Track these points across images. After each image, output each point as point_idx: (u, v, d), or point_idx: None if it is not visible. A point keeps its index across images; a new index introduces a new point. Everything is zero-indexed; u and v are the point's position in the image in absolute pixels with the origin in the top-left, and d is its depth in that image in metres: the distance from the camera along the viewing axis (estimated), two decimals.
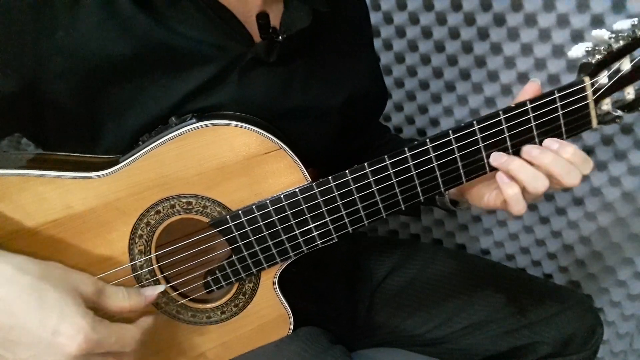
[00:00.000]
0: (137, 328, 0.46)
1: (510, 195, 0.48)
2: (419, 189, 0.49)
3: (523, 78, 0.82)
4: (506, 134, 0.47)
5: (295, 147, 0.49)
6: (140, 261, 0.50)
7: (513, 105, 0.47)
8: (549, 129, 0.48)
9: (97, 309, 0.44)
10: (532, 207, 0.91)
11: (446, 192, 0.58)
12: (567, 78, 0.77)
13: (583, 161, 0.47)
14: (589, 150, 0.81)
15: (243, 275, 0.52)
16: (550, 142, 0.48)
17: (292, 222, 0.49)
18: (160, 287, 0.50)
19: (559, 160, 0.47)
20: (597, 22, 0.71)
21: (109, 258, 0.49)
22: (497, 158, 0.48)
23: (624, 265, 0.86)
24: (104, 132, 0.48)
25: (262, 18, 0.49)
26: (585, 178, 0.48)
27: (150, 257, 0.50)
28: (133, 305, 0.46)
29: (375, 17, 0.94)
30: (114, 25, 0.44)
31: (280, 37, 0.49)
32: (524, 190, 0.48)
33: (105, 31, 0.44)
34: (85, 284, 0.43)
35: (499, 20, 0.80)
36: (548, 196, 0.88)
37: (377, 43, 0.97)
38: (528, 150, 0.48)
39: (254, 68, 0.49)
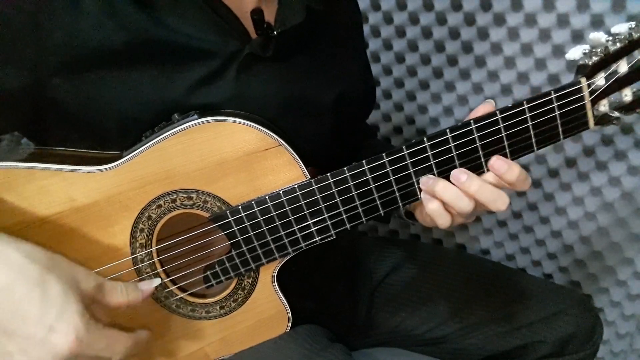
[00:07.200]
0: (130, 339, 0.45)
1: (431, 209, 0.48)
2: (416, 187, 0.49)
3: (523, 78, 0.82)
4: (503, 134, 0.48)
5: (294, 145, 0.49)
6: (141, 254, 0.50)
7: (510, 105, 0.47)
8: (546, 129, 0.48)
9: (96, 304, 0.44)
10: (532, 207, 0.91)
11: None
12: (567, 78, 0.77)
13: (523, 180, 0.47)
14: (589, 151, 0.81)
15: (242, 270, 0.52)
16: (460, 173, 0.47)
17: (291, 218, 0.49)
18: (157, 281, 0.50)
19: (485, 187, 0.46)
20: (597, 22, 0.71)
21: (111, 251, 0.49)
22: (424, 182, 0.48)
23: (624, 265, 0.85)
24: (107, 134, 0.49)
25: (256, 13, 0.49)
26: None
27: (151, 251, 0.51)
28: (131, 300, 0.47)
29: (375, 17, 0.95)
30: (113, 23, 0.44)
31: (275, 32, 0.50)
32: (451, 209, 0.48)
33: (103, 29, 0.44)
34: (86, 280, 0.43)
35: (499, 20, 0.80)
36: (548, 196, 0.88)
37: (377, 43, 0.97)
38: (456, 175, 0.48)
39: (251, 64, 0.50)
